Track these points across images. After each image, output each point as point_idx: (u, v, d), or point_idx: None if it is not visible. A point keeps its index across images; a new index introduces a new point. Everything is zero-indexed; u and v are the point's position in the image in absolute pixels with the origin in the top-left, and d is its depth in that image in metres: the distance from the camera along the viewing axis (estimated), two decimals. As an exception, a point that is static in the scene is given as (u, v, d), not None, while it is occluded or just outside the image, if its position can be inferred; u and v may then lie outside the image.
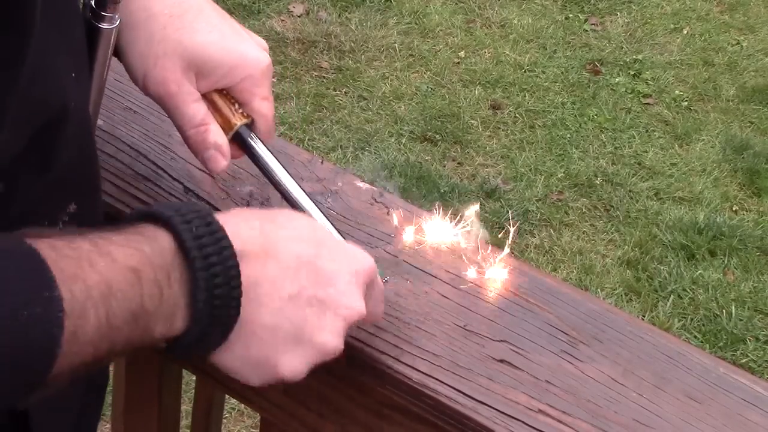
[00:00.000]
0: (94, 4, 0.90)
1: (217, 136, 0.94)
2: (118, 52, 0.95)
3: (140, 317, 0.69)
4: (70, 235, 0.69)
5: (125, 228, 0.72)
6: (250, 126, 0.96)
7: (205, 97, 0.95)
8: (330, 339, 0.79)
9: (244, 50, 0.95)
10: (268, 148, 0.96)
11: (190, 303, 0.72)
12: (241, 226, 0.77)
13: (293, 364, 0.79)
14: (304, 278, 0.78)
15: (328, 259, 0.80)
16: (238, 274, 0.73)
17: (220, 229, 0.74)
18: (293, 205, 0.95)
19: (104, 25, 0.90)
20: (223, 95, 0.95)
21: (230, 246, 0.73)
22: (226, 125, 0.95)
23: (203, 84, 0.94)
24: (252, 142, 0.96)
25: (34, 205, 0.80)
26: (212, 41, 0.94)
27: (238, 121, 0.95)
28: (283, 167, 0.96)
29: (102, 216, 0.95)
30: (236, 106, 0.96)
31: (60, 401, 0.89)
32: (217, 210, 1.02)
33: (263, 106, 0.96)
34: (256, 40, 0.97)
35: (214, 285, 0.72)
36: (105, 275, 0.67)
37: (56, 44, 0.77)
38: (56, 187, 0.82)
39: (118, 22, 0.90)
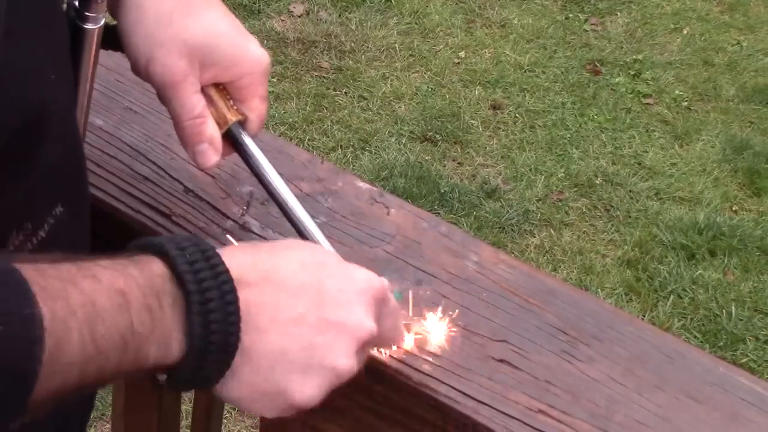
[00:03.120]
0: (78, 3, 0.89)
1: (212, 130, 0.93)
2: (120, 33, 0.93)
3: (130, 342, 0.66)
4: (54, 257, 0.67)
5: (116, 256, 0.71)
6: (242, 124, 0.96)
7: (203, 90, 0.94)
8: (342, 360, 0.76)
9: (249, 46, 0.94)
10: (259, 147, 0.96)
11: (185, 329, 0.69)
12: (236, 254, 0.75)
13: (305, 391, 0.75)
14: (307, 301, 0.76)
15: (331, 281, 0.78)
16: (235, 299, 0.71)
17: (215, 255, 0.72)
18: (279, 203, 0.95)
19: (88, 26, 0.89)
20: (219, 90, 0.95)
21: (226, 271, 0.71)
22: (220, 120, 0.94)
23: (205, 75, 0.93)
24: (244, 140, 0.95)
25: (17, 207, 0.78)
26: (220, 32, 0.93)
27: (233, 117, 0.94)
28: (273, 167, 0.95)
29: (89, 219, 0.94)
30: (231, 102, 0.95)
31: None
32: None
33: (260, 106, 0.95)
34: (253, 39, 0.96)
35: (209, 310, 0.69)
36: (90, 296, 0.65)
37: (33, 46, 0.76)
38: (41, 189, 0.81)
39: (102, 22, 0.89)
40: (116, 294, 0.66)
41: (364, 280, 0.80)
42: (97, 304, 0.65)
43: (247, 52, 0.94)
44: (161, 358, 0.69)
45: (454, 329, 0.92)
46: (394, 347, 0.89)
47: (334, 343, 0.76)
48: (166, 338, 0.69)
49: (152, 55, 0.91)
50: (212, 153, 0.93)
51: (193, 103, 0.92)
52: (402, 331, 0.88)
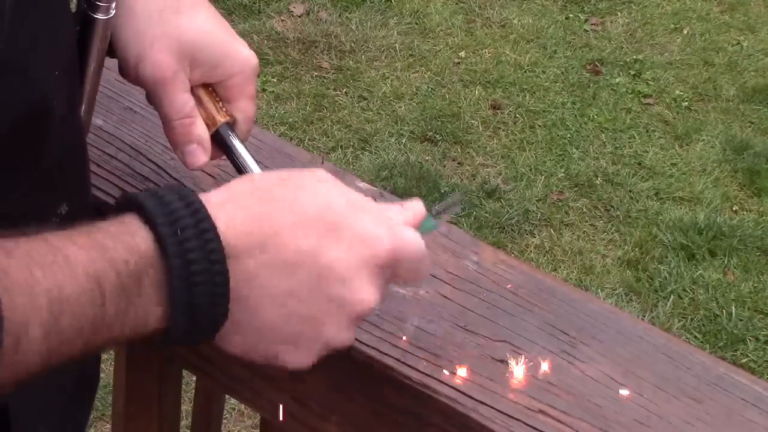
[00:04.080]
0: None
1: (201, 130, 0.92)
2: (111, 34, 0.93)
3: (101, 327, 0.64)
4: (28, 236, 0.63)
5: (100, 226, 0.67)
6: (231, 125, 0.96)
7: (192, 91, 0.94)
8: (336, 335, 0.74)
9: (237, 46, 0.94)
10: (246, 149, 0.96)
11: (167, 307, 0.67)
12: (237, 214, 0.70)
13: (297, 358, 0.74)
14: (307, 273, 0.72)
15: (334, 250, 0.72)
16: (226, 281, 0.68)
17: (210, 228, 0.67)
18: None
19: (99, 15, 0.89)
20: (208, 91, 0.95)
21: (219, 249, 0.67)
22: (209, 121, 0.94)
23: (195, 74, 0.92)
24: (232, 141, 0.95)
25: (20, 206, 0.78)
26: (209, 30, 0.93)
27: (221, 118, 0.94)
28: (261, 169, 0.95)
29: (93, 217, 0.94)
30: (220, 103, 0.95)
31: (44, 398, 0.89)
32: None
33: (249, 106, 0.95)
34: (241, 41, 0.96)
35: (195, 291, 0.67)
36: (58, 282, 0.61)
37: (36, 40, 0.75)
38: (44, 187, 0.81)
39: (112, 14, 0.89)
40: (88, 280, 0.63)
41: (374, 244, 0.74)
42: (64, 294, 0.61)
43: (235, 51, 0.93)
44: (138, 332, 0.67)
45: None
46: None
47: (329, 319, 0.73)
48: (144, 316, 0.67)
49: (142, 53, 0.91)
50: (201, 153, 0.93)
51: (183, 101, 0.91)
52: (425, 268, 0.81)
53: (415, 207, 0.82)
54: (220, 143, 0.95)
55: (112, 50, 0.96)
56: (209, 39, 0.92)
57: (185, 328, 0.68)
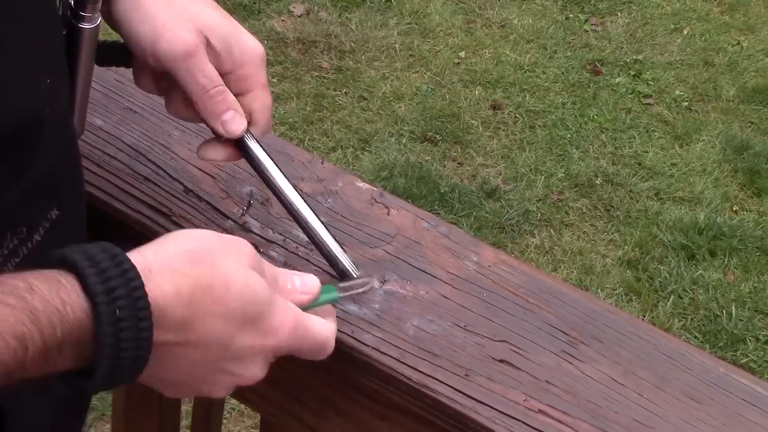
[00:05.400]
0: (73, 3, 0.88)
1: (233, 97, 0.92)
2: (117, 25, 0.92)
3: (17, 374, 0.65)
4: None
5: (35, 281, 0.67)
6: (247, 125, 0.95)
7: None
8: (218, 393, 0.82)
9: (244, 35, 0.93)
10: (264, 149, 0.95)
11: (84, 362, 0.69)
12: (169, 291, 0.72)
13: (214, 395, 0.83)
14: (214, 352, 0.77)
15: (244, 337, 0.77)
16: (147, 357, 0.70)
17: (144, 297, 0.69)
18: (288, 208, 0.94)
19: (85, 25, 0.89)
20: None
21: (149, 337, 0.69)
22: None
23: (209, 58, 0.91)
24: (249, 143, 0.94)
25: (11, 211, 0.78)
26: (218, 16, 0.92)
27: None
28: (280, 169, 0.94)
29: (85, 221, 0.94)
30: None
31: (40, 399, 0.89)
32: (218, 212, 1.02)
33: (264, 95, 0.94)
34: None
35: (119, 361, 0.69)
36: None
37: (24, 48, 0.75)
38: (35, 193, 0.80)
39: (98, 22, 0.89)
40: (14, 339, 0.64)
41: (279, 334, 0.80)
42: None
43: (244, 41, 0.93)
44: (48, 374, 0.69)
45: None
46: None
47: (222, 383, 0.80)
48: (60, 368, 0.68)
49: (157, 35, 0.89)
50: (240, 119, 0.92)
51: (212, 70, 0.90)
52: (324, 346, 0.85)
53: (311, 283, 0.85)
54: (238, 145, 0.94)
55: (124, 61, 0.96)
56: (220, 24, 0.91)
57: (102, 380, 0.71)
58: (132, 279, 0.69)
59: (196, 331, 0.74)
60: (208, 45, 0.90)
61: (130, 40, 0.91)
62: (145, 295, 0.69)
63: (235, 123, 0.92)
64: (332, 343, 0.85)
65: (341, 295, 0.89)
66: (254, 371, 0.81)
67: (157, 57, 0.90)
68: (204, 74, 0.90)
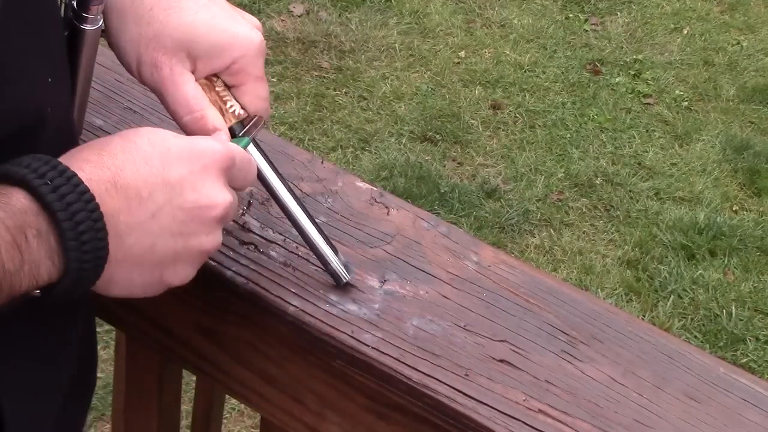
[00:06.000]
0: (76, 4, 0.89)
1: (215, 121, 0.91)
2: (109, 42, 0.93)
3: (3, 280, 0.68)
4: None
5: None
6: (244, 123, 0.94)
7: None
8: (205, 240, 0.81)
9: (235, 29, 0.92)
10: (259, 147, 0.94)
11: (54, 255, 0.71)
12: (83, 165, 0.75)
13: (179, 274, 0.81)
14: (160, 194, 0.77)
15: (175, 167, 0.78)
16: (101, 216, 0.72)
17: (74, 175, 0.72)
18: (281, 206, 0.94)
19: (87, 26, 0.89)
20: (214, 92, 0.93)
21: (88, 191, 0.72)
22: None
23: (197, 67, 0.91)
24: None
25: None
26: (201, 21, 0.91)
27: (228, 122, 0.93)
28: (273, 168, 0.94)
29: None
30: (227, 105, 0.93)
31: (40, 399, 0.89)
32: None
33: (257, 87, 0.93)
34: (247, 18, 0.94)
35: (80, 232, 0.71)
36: None
37: (27, 47, 0.75)
38: None
39: (100, 23, 0.89)
40: None
41: (207, 153, 0.81)
42: None
43: (233, 36, 0.91)
44: (32, 286, 0.71)
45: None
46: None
47: (194, 227, 0.80)
48: (36, 268, 0.70)
49: (139, 56, 0.90)
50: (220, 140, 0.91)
51: (186, 97, 0.90)
52: (253, 177, 0.89)
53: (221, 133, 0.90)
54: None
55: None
56: (202, 29, 0.90)
57: (75, 274, 0.72)
58: (50, 160, 0.73)
59: (125, 181, 0.75)
60: (192, 55, 0.90)
61: (120, 57, 0.93)
62: (67, 168, 0.72)
63: None
64: (253, 164, 0.89)
65: (246, 139, 0.92)
66: (214, 194, 0.80)
67: (141, 79, 0.93)
68: (177, 102, 0.91)
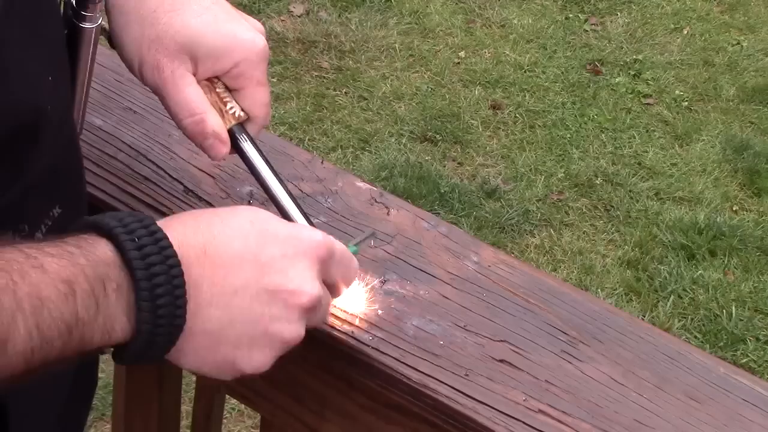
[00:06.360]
0: (75, 3, 0.89)
1: (214, 124, 0.91)
2: (112, 41, 0.93)
3: (75, 329, 0.67)
4: (2, 246, 0.67)
5: (65, 240, 0.70)
6: (243, 124, 0.94)
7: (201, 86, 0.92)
8: (286, 328, 0.77)
9: (237, 32, 0.91)
10: (257, 147, 0.94)
11: (131, 314, 0.70)
12: (176, 226, 0.75)
13: (253, 361, 0.77)
14: (248, 271, 0.75)
15: (271, 247, 0.77)
16: (183, 283, 0.71)
17: (164, 238, 0.71)
18: (281, 210, 0.94)
19: (86, 25, 0.89)
20: (215, 93, 0.93)
21: (174, 255, 0.71)
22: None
23: (199, 69, 0.91)
24: (242, 145, 0.93)
25: (12, 209, 0.78)
26: (204, 23, 0.90)
27: (227, 124, 0.92)
28: (272, 171, 0.93)
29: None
30: (227, 106, 0.93)
31: (42, 399, 0.89)
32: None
33: (258, 92, 0.93)
34: (251, 22, 0.94)
35: (157, 295, 0.70)
36: (36, 287, 0.65)
37: (27, 46, 0.75)
38: (37, 191, 0.81)
39: (100, 22, 0.89)
40: (62, 284, 0.66)
41: (305, 240, 0.79)
42: (43, 295, 0.65)
43: (236, 39, 0.91)
44: (105, 341, 0.70)
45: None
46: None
47: (276, 312, 0.77)
48: (111, 323, 0.70)
49: (141, 57, 0.90)
50: (220, 146, 0.92)
51: (187, 99, 0.90)
52: (354, 275, 0.87)
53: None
54: (233, 144, 0.94)
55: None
56: (205, 31, 0.90)
57: (147, 337, 0.71)
58: (144, 218, 0.73)
59: (217, 251, 0.74)
60: (194, 58, 0.90)
61: (123, 59, 0.93)
62: (159, 228, 0.72)
63: (214, 149, 0.92)
64: (356, 264, 0.86)
65: (355, 248, 0.91)
66: (302, 282, 0.77)
67: (143, 80, 0.92)
68: (178, 104, 0.90)
